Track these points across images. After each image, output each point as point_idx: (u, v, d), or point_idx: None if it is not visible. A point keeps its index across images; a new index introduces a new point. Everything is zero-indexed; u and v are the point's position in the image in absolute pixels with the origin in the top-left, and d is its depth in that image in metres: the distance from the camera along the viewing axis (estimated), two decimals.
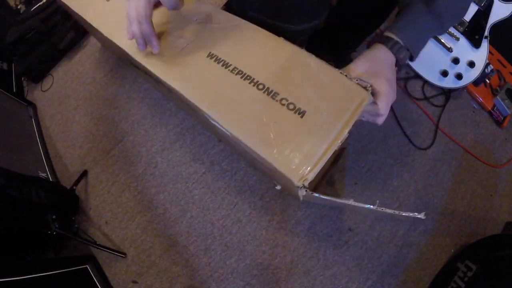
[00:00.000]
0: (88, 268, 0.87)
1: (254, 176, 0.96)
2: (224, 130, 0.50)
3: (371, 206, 0.46)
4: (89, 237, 0.93)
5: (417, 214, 0.46)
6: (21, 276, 0.68)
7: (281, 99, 0.46)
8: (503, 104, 1.01)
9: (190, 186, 0.97)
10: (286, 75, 0.49)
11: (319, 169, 0.43)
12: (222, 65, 0.54)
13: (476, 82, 1.02)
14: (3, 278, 0.64)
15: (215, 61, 0.55)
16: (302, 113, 0.45)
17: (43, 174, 1.01)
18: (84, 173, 1.03)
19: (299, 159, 0.42)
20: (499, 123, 1.03)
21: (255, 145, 0.45)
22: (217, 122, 0.50)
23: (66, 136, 1.12)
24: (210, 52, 0.56)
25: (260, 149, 0.45)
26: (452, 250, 0.88)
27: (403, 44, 0.50)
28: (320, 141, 0.43)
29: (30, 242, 0.86)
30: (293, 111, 0.45)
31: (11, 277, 0.66)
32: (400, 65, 0.52)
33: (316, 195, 0.43)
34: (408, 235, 0.89)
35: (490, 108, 1.03)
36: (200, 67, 0.55)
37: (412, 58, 0.53)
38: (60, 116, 1.15)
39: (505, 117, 1.03)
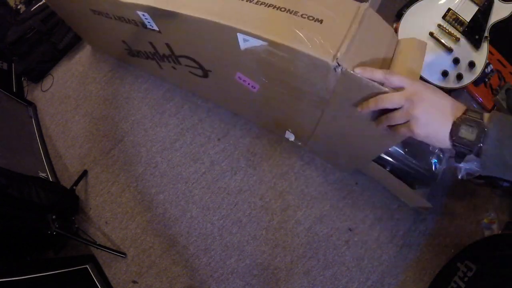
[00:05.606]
0: (88, 268, 0.87)
1: (254, 176, 0.96)
2: (259, 42, 0.59)
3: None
4: (89, 237, 0.93)
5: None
6: (21, 276, 0.68)
7: (302, 14, 0.58)
8: (503, 104, 1.01)
9: (190, 186, 0.97)
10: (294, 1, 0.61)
11: (348, 45, 0.53)
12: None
13: (476, 82, 1.02)
14: (3, 278, 0.64)
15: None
16: (320, 21, 0.57)
17: (43, 174, 1.01)
18: (84, 173, 1.03)
19: (329, 44, 0.53)
20: None
21: (291, 43, 0.55)
22: (252, 36, 0.58)
23: (66, 136, 1.12)
24: None
25: (296, 45, 0.55)
26: (452, 250, 0.88)
27: (481, 144, 0.40)
28: (340, 29, 0.55)
29: (30, 242, 0.86)
30: (313, 21, 0.57)
31: (11, 277, 0.66)
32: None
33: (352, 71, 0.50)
34: (408, 235, 0.89)
35: (490, 108, 1.02)
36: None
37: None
38: (60, 116, 1.16)
39: None
